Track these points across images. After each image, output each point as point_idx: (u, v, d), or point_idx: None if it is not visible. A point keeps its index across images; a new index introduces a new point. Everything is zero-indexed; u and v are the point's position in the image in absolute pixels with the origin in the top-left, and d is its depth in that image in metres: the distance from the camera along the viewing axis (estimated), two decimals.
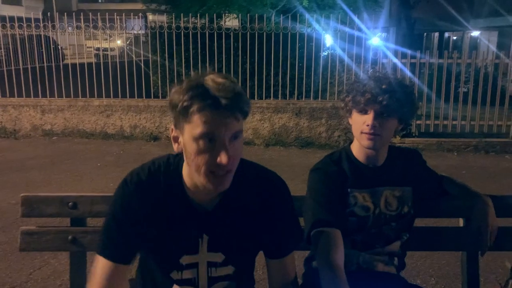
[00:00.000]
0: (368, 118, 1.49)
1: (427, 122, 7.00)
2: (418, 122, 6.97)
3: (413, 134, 6.94)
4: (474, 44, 20.06)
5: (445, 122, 6.98)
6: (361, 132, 1.52)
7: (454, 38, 23.55)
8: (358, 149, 1.60)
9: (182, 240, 1.25)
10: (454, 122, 6.96)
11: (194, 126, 1.08)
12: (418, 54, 6.78)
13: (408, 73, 6.77)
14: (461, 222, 1.91)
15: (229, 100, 1.07)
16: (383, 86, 1.50)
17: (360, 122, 1.52)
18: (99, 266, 1.24)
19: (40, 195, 1.79)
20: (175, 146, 1.18)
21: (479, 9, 18.07)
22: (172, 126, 1.18)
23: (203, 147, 1.09)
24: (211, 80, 1.09)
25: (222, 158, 1.08)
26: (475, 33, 19.97)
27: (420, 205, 1.71)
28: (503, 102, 6.89)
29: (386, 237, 1.60)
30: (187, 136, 1.11)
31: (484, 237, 1.68)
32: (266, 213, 1.28)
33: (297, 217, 1.39)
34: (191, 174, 1.18)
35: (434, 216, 1.94)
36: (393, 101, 1.49)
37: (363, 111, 1.51)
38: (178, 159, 1.25)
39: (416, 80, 6.83)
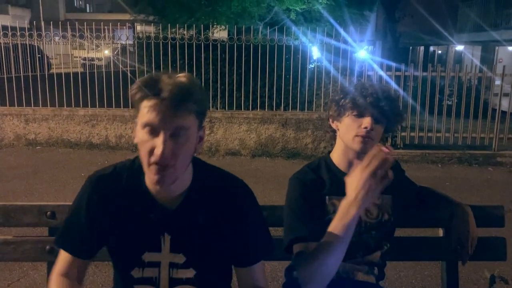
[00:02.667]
0: (366, 121, 1.51)
1: (412, 134, 7.07)
2: (403, 134, 7.04)
3: (398, 146, 7.01)
4: (459, 58, 20.44)
5: (430, 134, 7.07)
6: (356, 135, 1.52)
7: (439, 52, 23.95)
8: (340, 157, 1.61)
9: (143, 237, 1.26)
10: (438, 134, 7.05)
11: (141, 115, 1.14)
12: (402, 67, 6.87)
13: (394, 85, 6.85)
14: (440, 232, 1.92)
15: (171, 93, 1.11)
16: (383, 93, 1.54)
17: (355, 126, 1.53)
18: (59, 258, 1.30)
19: (17, 204, 1.76)
20: (134, 138, 1.20)
21: (463, 24, 18.44)
22: (135, 118, 1.22)
23: (146, 137, 1.14)
24: (167, 75, 1.15)
25: (157, 149, 1.11)
26: (460, 47, 20.35)
27: (400, 215, 1.72)
28: (486, 115, 7.00)
29: (366, 246, 1.61)
30: (138, 125, 1.16)
31: (464, 247, 1.69)
32: (231, 219, 1.28)
33: (266, 225, 1.38)
34: (143, 167, 1.20)
35: (414, 226, 1.96)
36: (389, 109, 1.53)
37: (360, 115, 1.53)
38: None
39: (401, 92, 6.92)
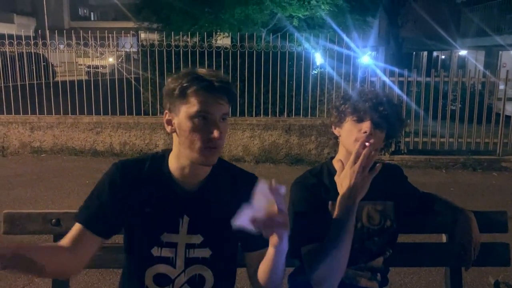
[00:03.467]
0: (365, 125, 1.52)
1: (416, 139, 7.06)
2: (406, 139, 7.04)
3: (402, 151, 6.99)
4: (462, 63, 20.42)
5: (433, 140, 7.05)
6: (355, 140, 1.53)
7: (443, 57, 23.95)
8: (344, 161, 1.62)
9: (163, 218, 1.35)
10: (442, 140, 7.03)
11: (191, 106, 1.26)
12: (405, 73, 6.88)
13: (397, 90, 6.86)
14: (444, 238, 1.92)
15: (220, 83, 1.26)
16: (384, 98, 1.56)
17: (355, 130, 1.54)
18: (73, 229, 1.34)
19: (23, 212, 1.78)
20: (168, 128, 1.34)
21: (466, 29, 18.45)
22: (166, 111, 1.33)
23: (198, 124, 1.26)
24: (201, 71, 1.30)
25: (215, 133, 1.25)
26: (463, 52, 20.34)
27: (403, 221, 1.72)
28: (490, 119, 6.99)
29: (369, 252, 1.61)
30: (183, 116, 1.28)
31: (468, 252, 1.70)
32: (244, 204, 1.33)
33: None
34: (181, 154, 1.33)
35: (417, 232, 1.96)
36: (389, 114, 1.55)
37: (360, 119, 1.54)
38: (164, 151, 1.42)
39: (404, 97, 6.92)
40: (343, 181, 1.43)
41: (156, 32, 11.78)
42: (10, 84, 7.12)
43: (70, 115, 7.13)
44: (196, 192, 1.37)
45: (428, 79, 6.95)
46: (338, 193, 1.56)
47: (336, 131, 1.64)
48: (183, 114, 1.28)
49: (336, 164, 1.64)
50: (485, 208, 1.97)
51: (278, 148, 7.04)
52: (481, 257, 1.76)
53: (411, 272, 3.27)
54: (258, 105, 7.09)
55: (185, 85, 1.26)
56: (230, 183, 1.41)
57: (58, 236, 1.76)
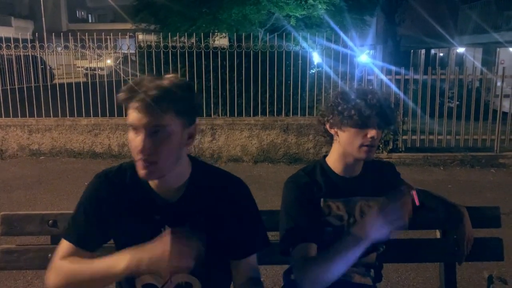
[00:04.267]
0: (372, 131, 1.53)
1: (413, 137, 7.08)
2: (404, 137, 7.05)
3: (400, 149, 7.01)
4: (460, 60, 20.43)
5: (431, 137, 7.06)
6: (361, 145, 1.54)
7: (441, 54, 23.96)
8: (336, 160, 1.63)
9: (145, 230, 1.32)
10: (439, 137, 7.05)
11: (128, 116, 1.25)
12: (402, 71, 6.90)
13: (394, 88, 6.87)
14: (438, 234, 1.94)
15: (146, 95, 1.20)
16: (385, 100, 1.56)
17: (360, 136, 1.54)
18: (61, 247, 1.35)
19: (20, 213, 1.80)
20: None
21: (464, 26, 18.46)
22: None
23: (132, 135, 1.25)
24: (150, 78, 1.25)
25: (138, 145, 1.22)
26: (461, 50, 20.35)
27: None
28: (487, 116, 7.01)
29: None
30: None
31: (461, 247, 1.72)
32: (228, 212, 1.36)
33: (261, 220, 1.44)
34: None
35: (411, 228, 1.97)
36: (391, 116, 1.57)
37: (365, 126, 1.53)
38: None
39: (401, 95, 6.93)
40: (368, 222, 1.35)
41: (153, 33, 11.79)
42: (8, 87, 7.13)
43: (68, 117, 7.15)
44: (176, 202, 1.34)
45: (425, 77, 6.97)
46: (330, 191, 1.59)
47: (332, 130, 1.63)
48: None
49: (329, 162, 1.65)
50: (484, 204, 1.97)
51: (276, 147, 7.05)
52: (474, 252, 1.79)
53: (408, 269, 3.28)
54: (256, 105, 7.11)
55: (121, 94, 1.25)
56: (212, 188, 1.38)
57: (56, 237, 1.78)
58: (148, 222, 1.34)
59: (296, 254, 1.48)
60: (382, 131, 1.59)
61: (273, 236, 1.67)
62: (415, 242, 1.91)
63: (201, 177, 1.37)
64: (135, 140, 1.23)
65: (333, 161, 1.65)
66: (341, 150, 1.62)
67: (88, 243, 1.35)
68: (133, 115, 1.22)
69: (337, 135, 1.62)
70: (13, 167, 6.52)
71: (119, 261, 1.18)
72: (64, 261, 1.30)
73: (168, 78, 1.25)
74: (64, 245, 1.34)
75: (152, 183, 1.34)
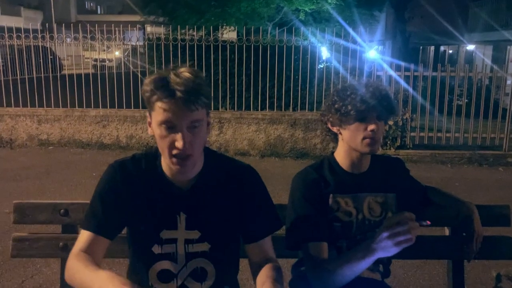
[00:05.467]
0: (372, 124, 1.54)
1: (421, 134, 7.05)
2: (412, 134, 7.03)
3: (407, 146, 6.99)
4: (470, 58, 20.27)
5: (439, 135, 7.04)
6: (364, 139, 1.55)
7: (450, 51, 23.78)
8: (344, 156, 1.64)
9: (161, 217, 1.37)
10: (448, 135, 7.02)
11: (157, 114, 1.25)
12: (411, 67, 6.86)
13: (403, 84, 6.85)
14: (446, 231, 1.94)
15: (183, 93, 1.21)
16: (382, 92, 1.56)
17: (361, 130, 1.55)
18: (80, 237, 1.36)
19: (33, 202, 1.81)
20: (149, 130, 1.34)
21: (473, 23, 18.29)
22: (147, 113, 1.33)
23: (165, 132, 1.25)
24: (174, 73, 1.24)
25: (179, 143, 1.23)
26: (471, 47, 20.18)
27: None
28: (497, 114, 6.96)
29: None
30: (154, 122, 1.28)
31: (469, 244, 1.71)
32: (240, 197, 1.40)
33: (272, 203, 1.49)
34: (163, 157, 1.33)
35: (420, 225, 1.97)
36: (390, 106, 1.57)
37: (364, 119, 1.54)
38: (157, 148, 1.37)
39: (410, 91, 6.90)
40: (378, 235, 1.32)
41: (162, 25, 11.79)
42: (18, 77, 7.17)
43: (77, 108, 7.19)
44: (190, 190, 1.37)
45: (434, 73, 6.93)
46: (338, 187, 1.59)
47: (334, 129, 1.64)
48: (153, 120, 1.28)
49: (337, 158, 1.65)
50: (491, 203, 1.97)
51: (284, 142, 7.06)
52: (484, 251, 1.78)
53: (416, 265, 3.29)
54: (263, 99, 7.11)
55: (148, 93, 1.25)
56: (224, 176, 1.41)
57: (66, 226, 1.80)
58: (163, 209, 1.36)
59: (308, 254, 1.50)
60: (384, 123, 1.60)
61: (281, 230, 1.68)
62: (423, 239, 1.89)
63: (213, 165, 1.40)
64: (169, 136, 1.24)
65: (340, 157, 1.66)
66: (346, 146, 1.63)
67: (107, 230, 1.36)
68: (169, 113, 1.22)
69: (340, 133, 1.63)
70: (22, 157, 6.58)
71: (95, 283, 1.14)
72: (78, 256, 1.29)
73: (190, 72, 1.25)
74: (84, 235, 1.35)
75: (168, 172, 1.36)
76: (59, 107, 7.19)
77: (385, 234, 1.28)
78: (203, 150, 1.37)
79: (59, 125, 7.19)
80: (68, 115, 7.17)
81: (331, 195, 1.59)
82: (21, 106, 7.19)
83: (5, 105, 7.23)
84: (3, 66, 7.41)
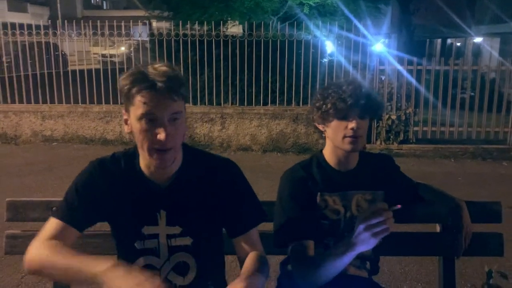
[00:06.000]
0: (352, 122, 1.54)
1: (424, 128, 7.01)
2: (415, 128, 6.98)
3: (410, 141, 6.95)
4: (477, 51, 20.05)
5: (443, 129, 6.99)
6: (344, 137, 1.56)
7: (458, 44, 23.54)
8: (331, 154, 1.65)
9: (141, 214, 1.38)
10: (451, 129, 6.97)
11: (137, 108, 1.24)
12: (415, 61, 6.81)
13: (407, 76, 6.80)
14: (437, 228, 1.94)
15: (164, 83, 1.21)
16: (362, 90, 1.56)
17: (341, 128, 1.56)
18: (48, 225, 1.36)
19: (25, 199, 1.84)
20: (125, 128, 1.32)
21: (481, 15, 18.07)
22: (123, 110, 1.32)
23: (145, 126, 1.24)
24: (151, 67, 1.24)
25: (161, 135, 1.22)
26: (478, 39, 19.96)
27: (396, 211, 1.75)
28: (501, 108, 6.90)
29: None
30: (132, 117, 1.26)
31: (458, 240, 1.71)
32: (220, 191, 1.40)
33: (255, 195, 1.48)
34: (142, 153, 1.32)
35: (411, 222, 1.97)
36: (371, 104, 1.57)
37: (344, 117, 1.55)
38: (135, 147, 1.39)
39: (414, 85, 6.85)
40: (356, 229, 1.35)
41: (166, 20, 11.78)
42: (22, 74, 7.22)
43: (80, 104, 7.23)
44: (169, 187, 1.37)
45: (437, 67, 6.87)
46: (326, 185, 1.59)
47: (320, 127, 1.66)
48: (132, 115, 1.26)
49: (325, 155, 1.66)
50: (491, 198, 1.96)
51: (286, 137, 7.05)
52: (474, 247, 1.78)
53: (412, 262, 3.28)
54: (266, 94, 7.10)
55: (127, 86, 1.24)
56: (203, 170, 1.41)
57: None
58: (143, 207, 1.37)
59: (294, 252, 1.51)
60: (367, 121, 1.59)
61: (269, 226, 1.69)
62: (414, 235, 1.90)
63: (192, 161, 1.40)
64: (150, 130, 1.23)
65: (328, 154, 1.67)
66: (331, 144, 1.64)
67: (76, 221, 1.35)
68: (150, 105, 1.21)
69: (325, 130, 1.63)
70: (26, 153, 6.64)
71: (96, 266, 1.13)
72: (46, 243, 1.28)
73: (167, 66, 1.26)
74: (52, 223, 1.35)
75: (147, 170, 1.36)
76: (63, 104, 7.24)
77: (361, 227, 1.30)
78: (181, 147, 1.37)
79: (63, 121, 7.24)
80: (72, 111, 7.22)
81: (318, 193, 1.60)
82: (25, 102, 7.25)
83: (9, 102, 7.29)
84: (8, 62, 7.46)
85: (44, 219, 1.83)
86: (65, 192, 1.41)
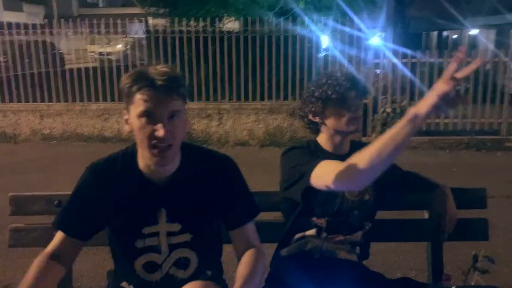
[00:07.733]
0: (353, 104, 1.65)
1: None
2: None
3: None
4: (474, 43, 20.06)
5: (437, 120, 7.06)
6: (349, 120, 1.65)
7: (454, 36, 23.54)
8: (327, 141, 1.74)
9: (141, 213, 1.41)
10: (446, 120, 7.04)
11: (137, 106, 1.28)
12: (409, 53, 6.86)
13: (402, 70, 6.86)
14: (425, 214, 2.01)
15: (164, 81, 1.26)
16: (353, 74, 1.68)
17: (344, 111, 1.66)
18: (56, 237, 1.40)
19: (27, 194, 1.90)
20: (126, 127, 1.37)
21: (477, 7, 18.07)
22: (124, 110, 1.36)
23: (145, 123, 1.28)
24: (152, 68, 1.30)
25: (160, 132, 1.26)
26: (474, 31, 19.97)
27: (384, 198, 1.82)
28: (495, 99, 6.96)
29: (350, 226, 1.71)
30: (133, 115, 1.30)
31: (442, 225, 1.78)
32: (219, 185, 1.45)
33: (250, 191, 1.54)
34: (141, 151, 1.36)
35: (399, 209, 2.04)
36: (362, 84, 1.69)
37: (345, 100, 1.65)
38: (134, 146, 1.42)
39: (409, 77, 6.91)
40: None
41: (162, 17, 11.78)
42: (19, 73, 7.27)
43: (78, 102, 7.28)
44: (169, 185, 1.41)
45: (432, 60, 6.93)
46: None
47: (316, 118, 1.72)
48: (132, 113, 1.30)
49: (320, 142, 1.73)
50: (486, 187, 2.03)
51: (283, 131, 7.12)
52: (460, 232, 1.85)
53: (406, 249, 3.35)
54: (263, 89, 7.15)
55: (128, 85, 1.28)
56: (202, 167, 1.45)
57: None
58: (143, 207, 1.40)
59: (324, 166, 1.51)
60: (362, 102, 1.70)
61: (268, 215, 1.76)
62: (402, 222, 1.98)
63: (190, 159, 1.44)
64: (149, 127, 1.27)
65: (324, 142, 1.74)
66: (330, 132, 1.71)
67: (81, 232, 1.41)
68: (150, 102, 1.26)
69: (323, 121, 1.69)
70: (25, 151, 6.71)
71: None
72: (42, 265, 1.32)
73: (167, 66, 1.31)
74: (56, 238, 1.40)
75: (146, 169, 1.39)
76: (61, 102, 7.29)
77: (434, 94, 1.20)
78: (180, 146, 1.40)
79: (61, 120, 7.29)
80: (70, 109, 7.27)
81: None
82: (23, 101, 7.30)
83: (7, 101, 7.34)
84: (5, 62, 7.50)
85: (46, 213, 1.92)
86: (66, 201, 1.46)
